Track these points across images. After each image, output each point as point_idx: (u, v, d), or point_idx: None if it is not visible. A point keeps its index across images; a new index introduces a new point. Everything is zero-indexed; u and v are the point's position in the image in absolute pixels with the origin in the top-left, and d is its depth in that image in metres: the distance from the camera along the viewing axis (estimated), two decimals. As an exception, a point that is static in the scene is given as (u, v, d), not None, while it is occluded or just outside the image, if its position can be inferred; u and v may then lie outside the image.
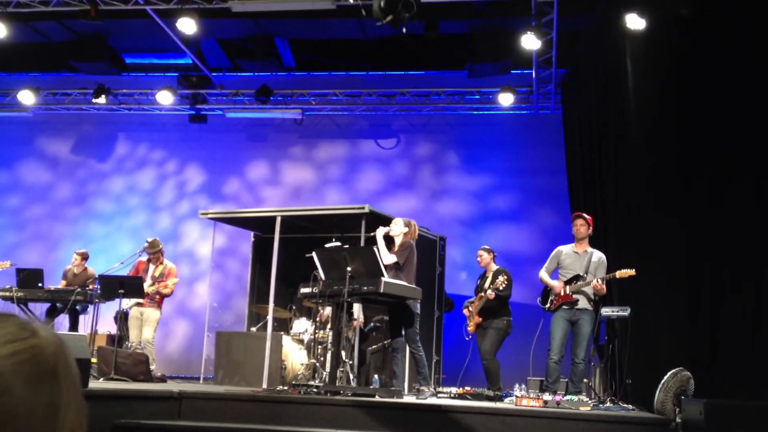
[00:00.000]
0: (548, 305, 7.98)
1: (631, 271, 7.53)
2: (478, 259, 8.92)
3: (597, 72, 9.91)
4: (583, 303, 7.83)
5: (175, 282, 9.63)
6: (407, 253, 7.67)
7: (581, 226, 8.05)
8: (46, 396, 0.86)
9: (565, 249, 8.13)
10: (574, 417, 5.89)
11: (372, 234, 8.10)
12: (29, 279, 9.59)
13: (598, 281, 7.66)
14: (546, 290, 8.12)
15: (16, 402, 0.83)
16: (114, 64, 12.94)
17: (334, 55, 13.25)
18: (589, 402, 6.95)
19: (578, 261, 7.98)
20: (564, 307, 7.86)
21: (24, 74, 13.85)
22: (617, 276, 7.58)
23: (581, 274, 7.88)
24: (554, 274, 8.16)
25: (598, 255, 8.02)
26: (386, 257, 7.57)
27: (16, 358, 0.86)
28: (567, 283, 7.91)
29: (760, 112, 7.70)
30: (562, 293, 7.85)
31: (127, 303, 9.36)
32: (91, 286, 9.64)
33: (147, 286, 9.28)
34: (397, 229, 7.81)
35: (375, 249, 7.16)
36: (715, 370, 7.34)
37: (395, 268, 7.59)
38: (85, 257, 10.41)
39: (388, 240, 7.85)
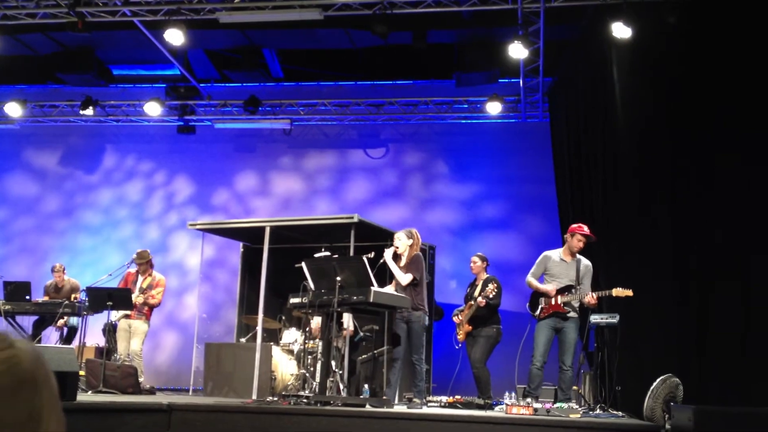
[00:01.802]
0: (538, 313, 7.96)
1: (629, 292, 7.46)
2: (471, 265, 8.92)
3: (584, 80, 9.96)
4: (571, 313, 7.85)
5: (160, 291, 9.55)
6: (419, 266, 7.68)
7: (580, 242, 8.00)
8: (27, 405, 0.88)
9: (553, 256, 8.10)
10: (564, 424, 5.90)
11: (364, 245, 8.09)
12: (17, 292, 9.54)
13: (593, 297, 7.66)
14: (535, 297, 8.10)
15: None
16: (101, 75, 12.90)
17: (323, 65, 13.27)
18: (579, 409, 6.96)
19: (567, 270, 7.97)
20: (553, 316, 7.86)
21: (11, 86, 13.80)
22: (613, 294, 7.55)
23: (573, 284, 7.87)
24: (540, 281, 8.15)
25: (585, 263, 8.02)
26: (403, 278, 7.56)
27: None
28: (559, 292, 7.90)
29: (747, 116, 7.78)
30: (554, 302, 7.84)
31: (115, 315, 9.32)
32: (75, 297, 9.60)
33: (134, 298, 9.24)
34: (403, 244, 7.77)
35: (365, 259, 7.14)
36: (704, 376, 7.38)
37: (412, 284, 7.59)
38: (62, 270, 10.41)
39: (394, 255, 7.79)
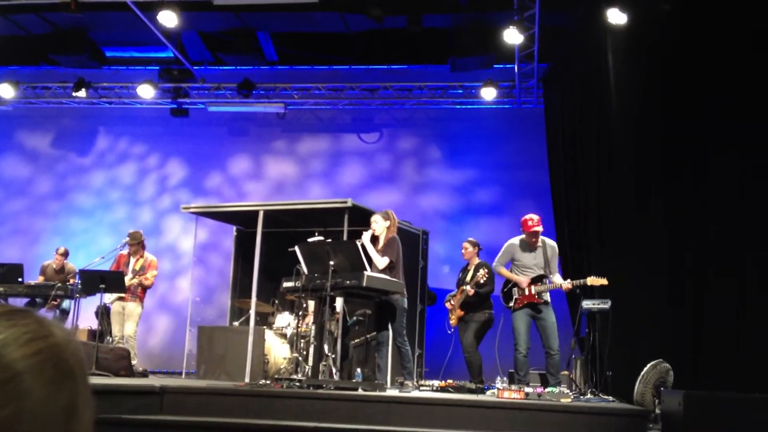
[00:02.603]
0: (512, 304, 8.02)
1: (603, 280, 7.57)
2: (463, 251, 8.95)
3: (579, 67, 9.96)
4: (543, 303, 7.93)
5: (154, 274, 9.55)
6: (395, 248, 7.67)
7: (531, 237, 8.07)
8: (65, 397, 0.85)
9: (518, 243, 8.17)
10: (555, 409, 5.94)
11: (357, 230, 8.09)
12: (9, 274, 9.52)
13: (570, 284, 7.74)
14: (508, 288, 8.15)
15: (36, 403, 0.81)
16: (94, 57, 12.82)
17: (317, 49, 13.22)
18: (570, 394, 7.01)
19: (534, 258, 8.05)
20: (527, 307, 7.93)
21: (3, 68, 13.70)
22: (588, 283, 7.64)
23: (544, 273, 7.94)
24: (506, 267, 8.23)
25: (550, 244, 8.10)
26: (380, 262, 7.55)
27: (38, 358, 0.83)
28: (532, 282, 7.96)
29: (742, 106, 7.78)
30: (527, 293, 7.90)
31: (108, 298, 9.31)
32: (71, 281, 9.59)
33: (128, 280, 9.23)
34: (380, 226, 7.77)
35: (359, 244, 7.15)
36: (695, 361, 7.42)
37: (389, 267, 7.59)
38: (65, 254, 10.41)
39: (372, 237, 7.81)
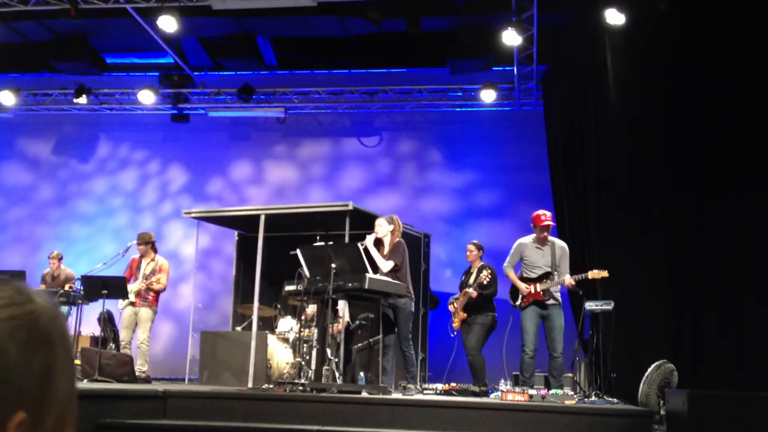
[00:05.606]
0: (519, 302, 8.02)
1: (604, 273, 7.57)
2: (467, 253, 8.94)
3: (577, 67, 9.95)
4: (551, 300, 7.90)
5: (161, 278, 9.47)
6: (401, 252, 7.69)
7: (542, 232, 8.07)
8: (41, 362, 0.87)
9: (528, 242, 8.16)
10: (559, 410, 5.93)
11: (359, 233, 8.09)
12: (11, 281, 9.51)
13: (571, 281, 7.72)
14: (515, 286, 8.16)
15: (10, 366, 0.84)
16: (95, 63, 12.84)
17: (316, 53, 13.24)
18: (574, 396, 6.99)
19: (543, 256, 8.03)
20: (534, 305, 7.92)
21: (4, 75, 13.72)
22: (589, 277, 7.63)
23: (550, 271, 7.92)
24: (517, 267, 8.22)
25: (560, 245, 8.08)
26: (384, 265, 7.58)
27: (12, 323, 0.86)
28: (537, 280, 7.95)
29: (741, 104, 7.77)
30: (533, 290, 7.90)
31: (121, 304, 9.26)
32: (70, 286, 9.57)
33: (137, 284, 9.19)
34: (383, 229, 7.79)
35: (361, 247, 7.15)
36: (699, 362, 7.41)
37: (394, 271, 7.59)
38: (60, 258, 10.38)
39: (376, 242, 7.83)
